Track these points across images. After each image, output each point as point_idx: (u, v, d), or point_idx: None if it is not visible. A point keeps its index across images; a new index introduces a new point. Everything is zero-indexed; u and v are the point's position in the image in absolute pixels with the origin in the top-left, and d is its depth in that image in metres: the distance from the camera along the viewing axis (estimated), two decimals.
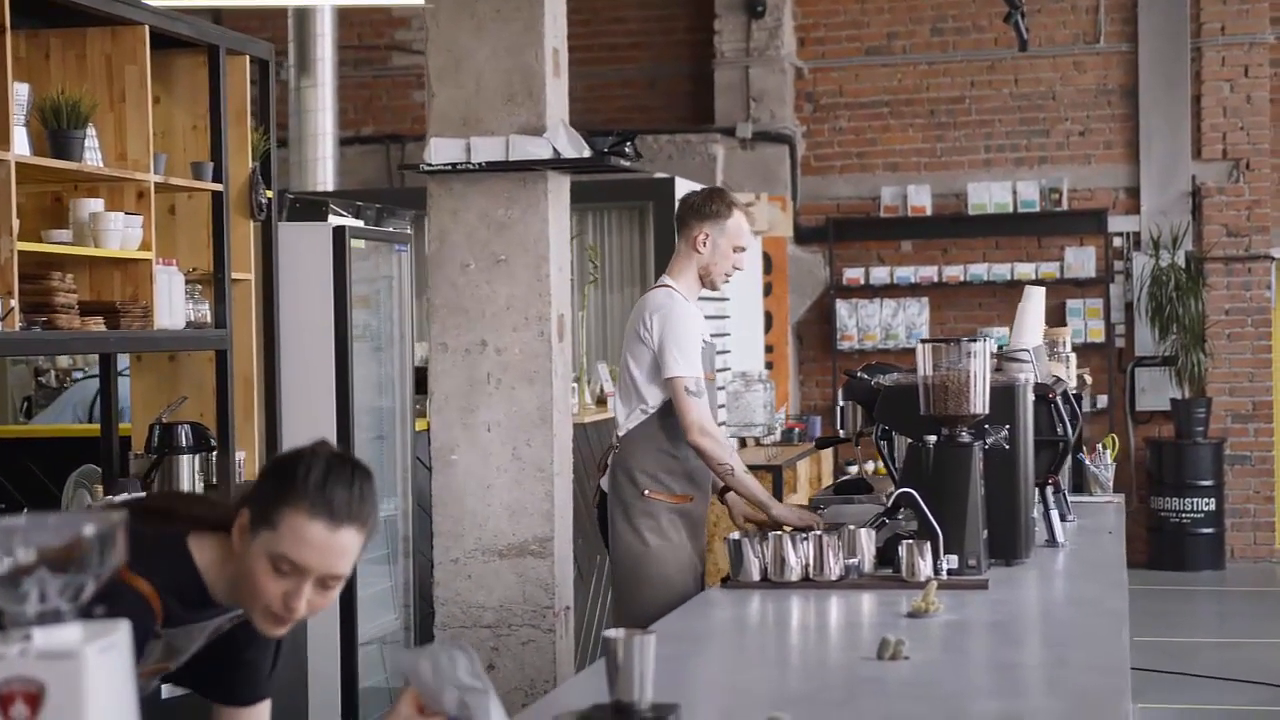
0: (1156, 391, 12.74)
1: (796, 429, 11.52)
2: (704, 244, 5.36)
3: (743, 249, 5.43)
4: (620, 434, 5.40)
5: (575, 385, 8.07)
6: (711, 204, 5.40)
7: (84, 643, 1.76)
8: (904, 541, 4.29)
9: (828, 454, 11.56)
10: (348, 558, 2.62)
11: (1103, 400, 12.70)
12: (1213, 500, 12.40)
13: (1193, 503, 12.38)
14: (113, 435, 5.58)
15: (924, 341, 4.54)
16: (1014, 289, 12.66)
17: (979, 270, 12.89)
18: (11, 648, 1.74)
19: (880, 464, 12.39)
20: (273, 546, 2.59)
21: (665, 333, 5.21)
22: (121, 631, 1.81)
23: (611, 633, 2.78)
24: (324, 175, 10.72)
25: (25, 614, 1.77)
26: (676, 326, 5.22)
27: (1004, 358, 5.22)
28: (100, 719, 1.75)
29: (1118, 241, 12.89)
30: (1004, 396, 4.60)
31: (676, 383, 5.18)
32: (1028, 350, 5.25)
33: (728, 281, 5.53)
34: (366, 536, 2.67)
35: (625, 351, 5.37)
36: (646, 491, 5.28)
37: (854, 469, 12.54)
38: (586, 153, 5.92)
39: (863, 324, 13.08)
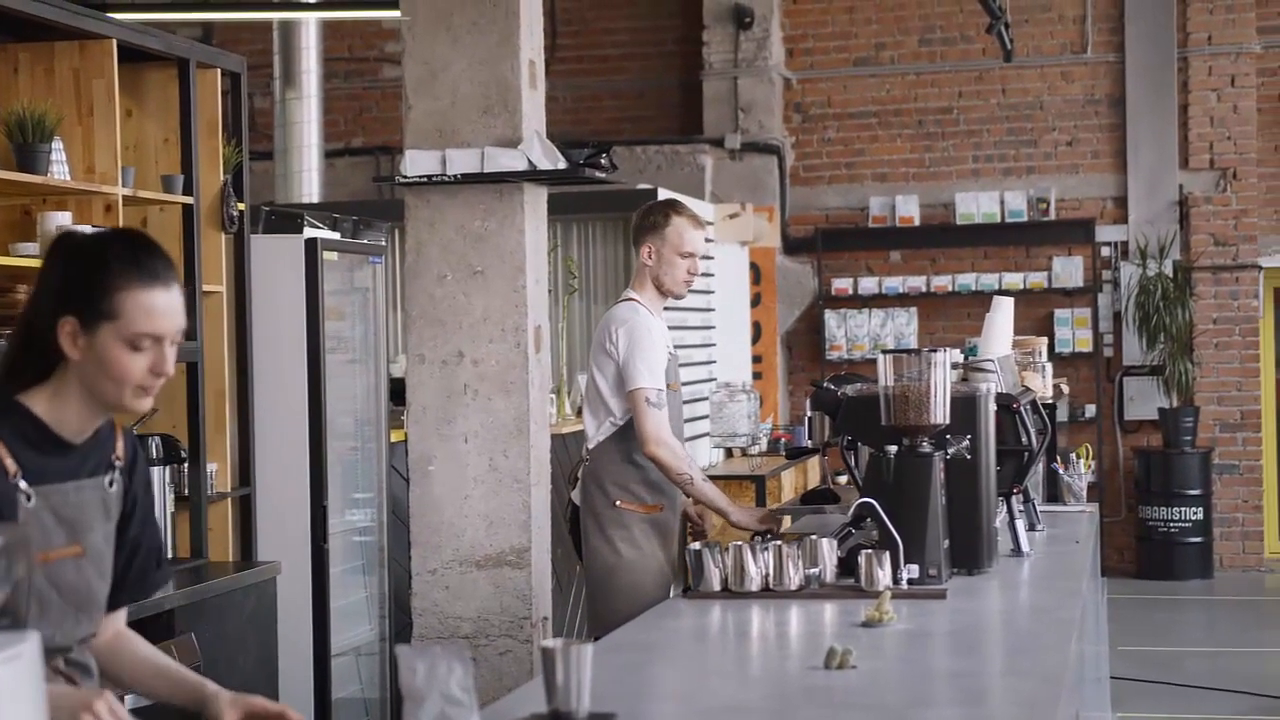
0: (1144, 401, 12.75)
1: (784, 439, 11.53)
2: (650, 256, 5.48)
3: (690, 254, 5.49)
4: (590, 446, 5.49)
5: (554, 396, 8.09)
6: (650, 216, 5.53)
7: None
8: (863, 551, 4.31)
9: (814, 464, 11.58)
10: (184, 312, 2.78)
11: (1091, 410, 12.71)
12: (1201, 509, 12.41)
13: (1181, 512, 12.38)
14: None
15: (885, 352, 4.56)
16: None
17: (967, 280, 12.91)
18: None
19: None
20: (124, 331, 2.70)
21: (630, 345, 5.31)
22: (30, 642, 1.83)
23: (548, 643, 2.80)
24: (309, 187, 10.74)
25: None
26: (642, 339, 5.31)
27: (969, 368, 5.23)
28: None
29: (1105, 251, 12.91)
30: (965, 406, 4.61)
31: (638, 394, 5.27)
32: (992, 360, 5.26)
33: (688, 286, 5.58)
34: None
35: (591, 365, 5.47)
36: (618, 502, 5.38)
37: (844, 479, 12.54)
38: (561, 164, 5.94)
39: (851, 334, 13.10)
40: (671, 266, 5.45)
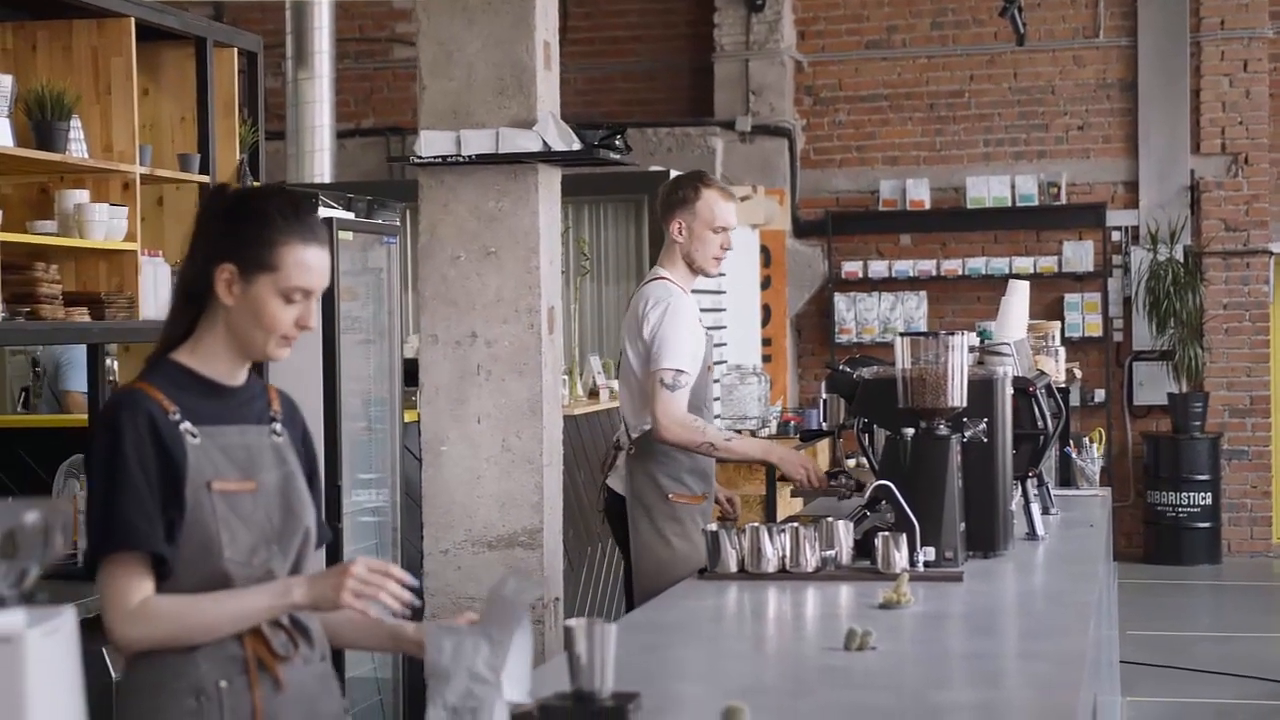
0: (1154, 386, 12.75)
1: (793, 422, 11.52)
2: (681, 232, 5.31)
3: (723, 229, 5.31)
4: (634, 435, 5.30)
5: (566, 378, 8.10)
6: (679, 190, 5.34)
7: (27, 627, 1.78)
8: (880, 534, 4.31)
9: (824, 446, 11.58)
10: (329, 269, 2.92)
11: (1100, 394, 12.70)
12: (1209, 494, 12.41)
13: (1189, 497, 12.39)
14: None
15: (903, 334, 4.55)
16: None
17: (977, 264, 12.91)
18: None
19: None
20: (282, 283, 2.83)
21: (661, 325, 5.16)
22: (65, 618, 1.84)
23: (572, 622, 2.80)
24: (321, 168, 10.72)
25: None
26: (673, 319, 5.16)
27: (985, 351, 5.23)
28: (42, 703, 1.77)
29: (1116, 236, 12.90)
30: (982, 390, 4.61)
31: (654, 376, 5.14)
32: (1009, 343, 5.25)
33: (719, 263, 5.41)
34: None
35: (628, 350, 5.30)
36: (671, 495, 5.22)
37: (851, 462, 12.54)
38: (576, 146, 5.93)
39: (861, 317, 13.10)
40: (703, 242, 5.28)
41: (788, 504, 9.32)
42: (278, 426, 2.97)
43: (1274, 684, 8.53)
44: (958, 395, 4.47)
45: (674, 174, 10.26)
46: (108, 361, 6.28)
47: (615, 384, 8.45)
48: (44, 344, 7.25)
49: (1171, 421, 12.58)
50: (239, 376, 2.94)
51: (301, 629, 2.92)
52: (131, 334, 5.36)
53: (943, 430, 4.48)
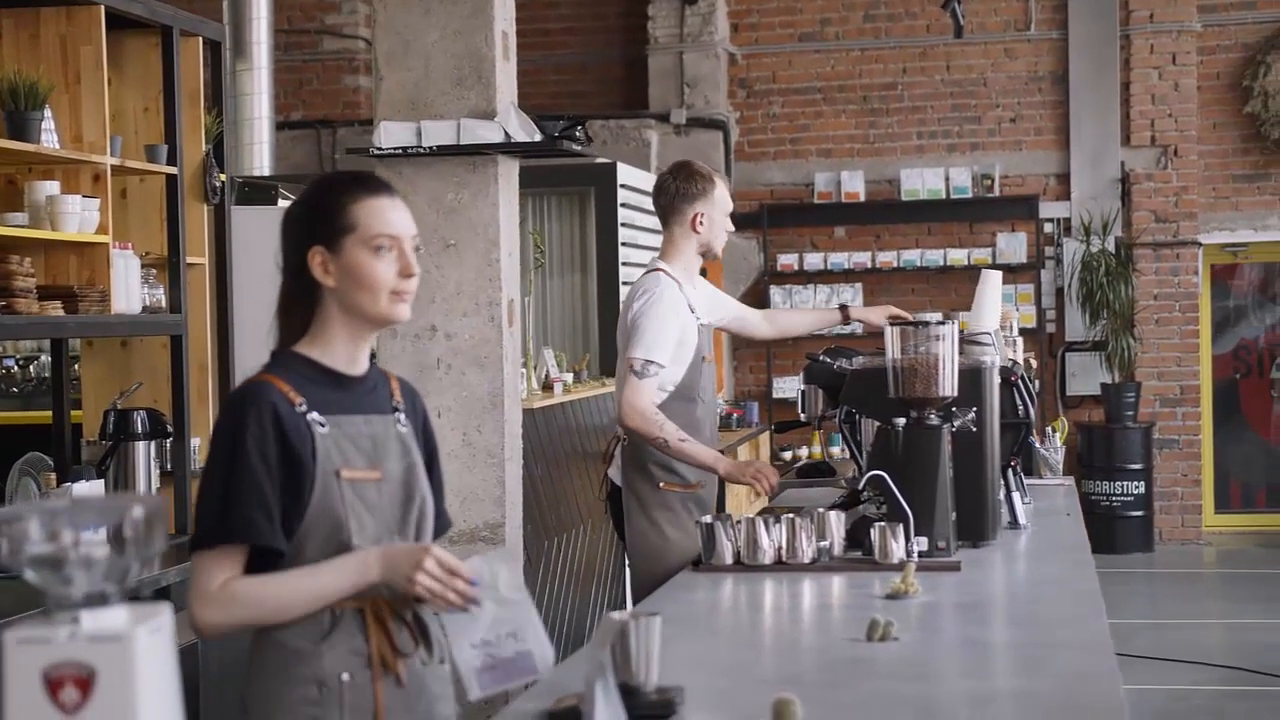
0: (1087, 376, 12.87)
1: (735, 415, 11.56)
2: (701, 223, 5.36)
3: (730, 212, 5.47)
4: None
5: (523, 371, 8.05)
6: (697, 183, 5.36)
7: (133, 625, 1.74)
8: (876, 524, 4.30)
9: (765, 439, 11.62)
10: (411, 218, 2.95)
11: (1034, 385, 12.78)
12: (1142, 483, 12.54)
13: (1122, 486, 12.52)
14: (64, 422, 5.49)
15: (893, 324, 4.55)
16: (946, 275, 12.77)
17: (912, 256, 12.96)
18: (60, 631, 1.72)
19: (818, 448, 12.40)
20: (364, 237, 2.86)
21: (642, 313, 5.15)
22: (165, 614, 1.79)
23: (618, 615, 2.77)
24: (260, 160, 10.59)
25: (72, 597, 1.74)
26: (654, 309, 5.15)
27: (965, 340, 5.23)
28: (150, 701, 1.73)
29: (1049, 227, 13.00)
30: (971, 379, 4.62)
31: (626, 361, 5.14)
32: (989, 333, 5.27)
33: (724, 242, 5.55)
34: None
35: (620, 341, 5.29)
36: (661, 484, 5.21)
37: (788, 454, 12.59)
38: (537, 137, 5.90)
39: None
40: (719, 229, 5.39)
41: (737, 500, 9.32)
42: (402, 417, 2.98)
43: (1211, 668, 8.64)
44: (949, 385, 4.47)
45: (622, 167, 10.25)
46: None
47: (569, 377, 8.43)
48: (18, 339, 7.12)
49: (1104, 411, 12.71)
50: (360, 365, 2.95)
51: (422, 629, 2.92)
52: (105, 328, 5.25)
53: (933, 420, 4.48)
